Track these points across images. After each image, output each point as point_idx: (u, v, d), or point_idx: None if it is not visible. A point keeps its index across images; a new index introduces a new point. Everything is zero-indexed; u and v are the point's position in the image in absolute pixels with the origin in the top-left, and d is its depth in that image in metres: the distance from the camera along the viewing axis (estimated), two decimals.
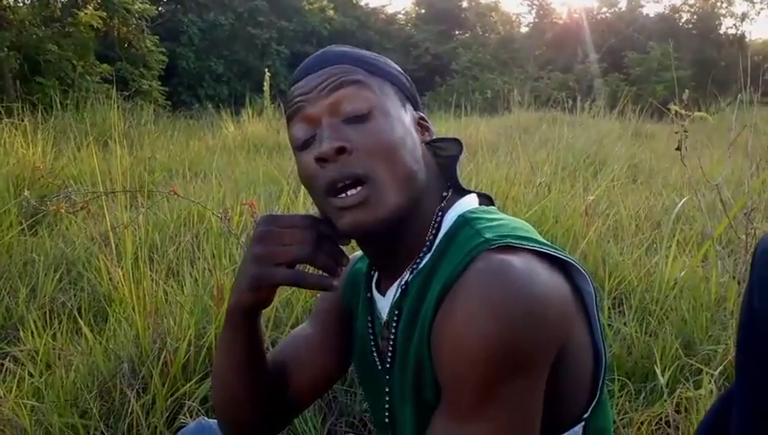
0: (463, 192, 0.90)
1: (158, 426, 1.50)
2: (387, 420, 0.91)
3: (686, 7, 22.31)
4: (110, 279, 2.18)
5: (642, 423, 1.54)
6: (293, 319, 1.83)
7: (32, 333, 1.88)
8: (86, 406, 1.55)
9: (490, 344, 0.68)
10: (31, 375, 1.69)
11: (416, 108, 0.92)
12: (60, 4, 9.50)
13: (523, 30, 23.31)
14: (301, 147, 0.83)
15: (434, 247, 0.83)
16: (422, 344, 0.78)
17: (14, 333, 2.08)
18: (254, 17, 16.19)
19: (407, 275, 0.85)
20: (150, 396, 1.56)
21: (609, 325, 1.87)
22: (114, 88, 6.11)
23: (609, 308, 1.98)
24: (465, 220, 0.82)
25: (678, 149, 1.88)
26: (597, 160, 3.98)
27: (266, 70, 6.38)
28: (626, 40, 18.79)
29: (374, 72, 0.85)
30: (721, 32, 26.48)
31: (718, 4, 27.68)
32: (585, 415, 0.81)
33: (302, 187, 0.89)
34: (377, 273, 0.95)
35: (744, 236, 2.03)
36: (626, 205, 2.83)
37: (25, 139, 4.20)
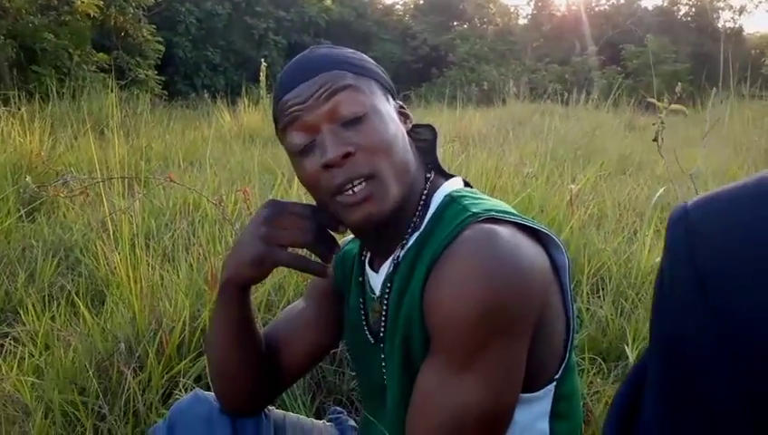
0: (445, 174, 0.98)
1: (153, 402, 1.57)
2: (378, 389, 0.98)
3: (685, 0, 22.34)
4: (108, 264, 2.24)
5: (611, 397, 1.61)
6: (285, 302, 1.89)
7: (31, 315, 1.94)
8: (85, 384, 1.61)
9: (482, 305, 0.75)
10: (31, 355, 1.76)
11: (394, 98, 0.99)
12: None
13: (522, 22, 23.29)
14: (300, 153, 0.89)
15: (423, 224, 0.91)
16: (412, 311, 0.86)
17: (13, 316, 2.15)
18: (251, 7, 16.15)
19: (398, 252, 0.92)
20: (147, 374, 1.63)
21: (587, 309, 1.95)
22: (111, 77, 6.15)
23: (587, 293, 2.05)
24: (452, 199, 0.90)
25: (655, 140, 1.95)
26: (587, 152, 4.04)
27: (263, 60, 6.41)
28: (624, 33, 18.80)
29: (360, 73, 0.91)
30: (719, 25, 26.50)
31: None
32: (557, 376, 0.89)
33: (297, 178, 0.96)
34: (369, 253, 1.02)
35: None
36: (611, 195, 2.91)
37: (22, 127, 4.24)
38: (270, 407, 1.14)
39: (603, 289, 2.10)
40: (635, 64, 16.51)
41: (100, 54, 9.74)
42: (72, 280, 2.36)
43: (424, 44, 20.04)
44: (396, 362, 0.91)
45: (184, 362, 1.64)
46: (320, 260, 0.96)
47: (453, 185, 0.96)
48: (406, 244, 0.92)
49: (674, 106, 1.93)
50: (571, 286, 0.91)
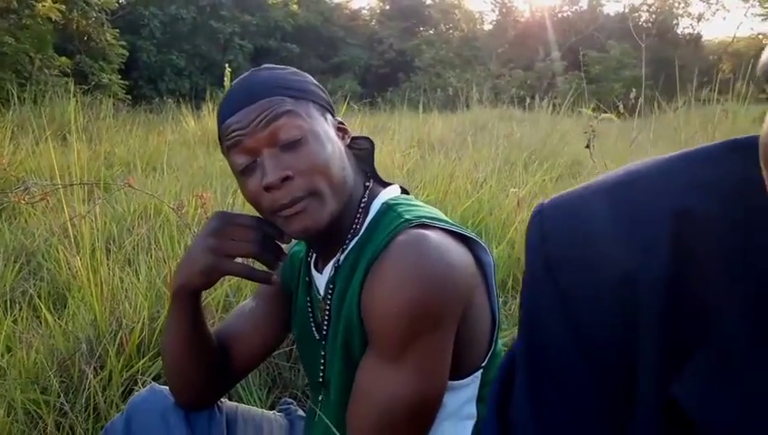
0: (383, 182, 1.08)
1: (113, 400, 1.64)
2: (320, 380, 1.08)
3: (645, 7, 22.90)
4: (69, 268, 2.28)
5: None
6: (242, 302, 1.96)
7: None
8: (46, 383, 1.67)
9: (410, 303, 0.85)
10: None
11: (333, 115, 1.07)
12: None
13: (487, 27, 23.61)
14: (242, 172, 0.96)
15: (362, 230, 1.00)
16: (351, 311, 0.94)
17: None
18: (216, 11, 16.13)
19: (339, 256, 1.01)
20: (107, 372, 1.69)
21: None
22: (72, 81, 6.12)
23: None
24: (388, 206, 1.00)
25: (588, 146, 2.08)
26: (542, 156, 4.18)
27: (227, 65, 6.44)
28: (586, 39, 19.21)
29: (298, 97, 0.98)
30: (678, 32, 27.18)
31: (676, 4, 28.35)
32: (483, 363, 0.99)
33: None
34: (314, 255, 1.11)
35: None
36: None
37: None
38: (222, 399, 1.22)
39: None
40: (597, 70, 16.88)
41: (63, 59, 9.65)
42: (35, 284, 2.40)
43: (390, 49, 20.20)
44: (338, 357, 1.00)
45: (143, 361, 1.71)
46: (267, 268, 1.04)
47: (390, 193, 1.06)
48: (346, 248, 1.01)
49: (604, 115, 2.06)
50: (495, 282, 1.01)
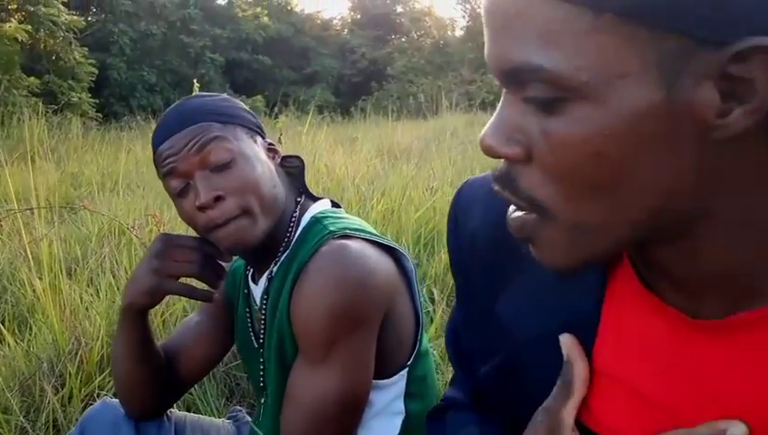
0: (313, 197, 1.16)
1: (74, 416, 1.69)
2: (261, 385, 1.15)
3: None
4: (34, 291, 2.33)
5: None
6: None
7: None
8: (7, 403, 1.72)
9: (332, 308, 0.93)
10: None
11: (263, 137, 1.15)
12: None
13: (458, 34, 23.87)
14: (178, 195, 1.04)
15: (292, 243, 1.08)
16: (283, 317, 1.02)
17: None
18: (186, 26, 16.14)
19: (273, 268, 1.09)
20: (68, 390, 1.75)
21: None
22: (41, 102, 6.12)
23: None
24: (316, 220, 1.08)
25: None
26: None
27: (195, 81, 6.48)
28: None
29: (227, 122, 1.05)
30: None
31: None
32: (408, 363, 1.07)
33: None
34: (252, 269, 1.19)
35: None
36: None
37: None
38: (172, 409, 1.29)
39: None
40: None
41: (31, 79, 9.62)
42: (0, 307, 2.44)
43: (363, 58, 20.34)
44: (273, 363, 1.08)
45: (102, 376, 1.77)
46: (208, 287, 1.11)
47: (319, 207, 1.14)
48: (278, 261, 1.09)
49: None
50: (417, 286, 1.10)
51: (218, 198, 0.99)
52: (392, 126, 7.21)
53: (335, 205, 1.18)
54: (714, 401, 0.48)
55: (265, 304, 1.11)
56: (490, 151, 0.47)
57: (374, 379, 1.02)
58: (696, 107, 0.39)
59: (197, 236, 1.08)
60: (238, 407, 1.46)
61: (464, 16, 25.29)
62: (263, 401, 1.18)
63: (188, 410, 1.31)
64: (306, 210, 1.11)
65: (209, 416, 1.51)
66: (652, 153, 0.41)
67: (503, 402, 0.64)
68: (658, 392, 0.52)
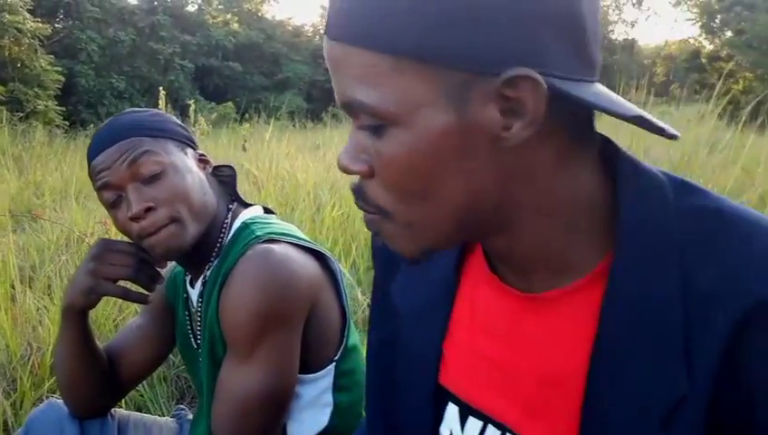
0: (245, 204, 1.23)
1: (24, 418, 1.73)
2: (200, 386, 1.22)
3: None
4: None
5: None
6: None
7: None
8: None
9: (256, 308, 1.00)
10: None
11: (194, 148, 1.22)
12: None
13: None
14: (111, 206, 1.10)
15: (223, 249, 1.15)
16: (213, 318, 1.09)
17: None
18: (155, 32, 16.05)
19: (206, 272, 1.16)
20: (20, 393, 1.80)
21: None
22: (5, 110, 6.08)
23: None
24: (245, 225, 1.14)
25: None
26: None
27: (161, 89, 6.50)
28: None
29: (157, 136, 1.11)
30: (613, 37, 28.15)
31: (610, 11, 29.35)
32: (335, 357, 1.15)
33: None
34: (189, 274, 1.25)
35: None
36: None
37: None
38: (115, 408, 1.34)
39: None
40: None
41: None
42: None
43: None
44: (206, 362, 1.15)
45: (53, 381, 1.82)
46: (144, 290, 1.17)
47: (250, 213, 1.21)
48: (211, 265, 1.16)
49: None
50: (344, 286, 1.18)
51: (149, 209, 1.05)
52: None
53: (268, 211, 1.25)
54: (540, 359, 0.60)
55: (200, 307, 1.18)
56: (345, 170, 0.57)
57: (302, 373, 1.09)
58: (484, 124, 0.50)
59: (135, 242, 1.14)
60: (182, 406, 1.52)
61: None
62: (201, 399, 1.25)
63: (139, 411, 1.35)
64: (237, 216, 1.18)
65: (163, 418, 1.56)
66: (454, 163, 0.51)
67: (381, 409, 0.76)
68: (501, 356, 0.63)
